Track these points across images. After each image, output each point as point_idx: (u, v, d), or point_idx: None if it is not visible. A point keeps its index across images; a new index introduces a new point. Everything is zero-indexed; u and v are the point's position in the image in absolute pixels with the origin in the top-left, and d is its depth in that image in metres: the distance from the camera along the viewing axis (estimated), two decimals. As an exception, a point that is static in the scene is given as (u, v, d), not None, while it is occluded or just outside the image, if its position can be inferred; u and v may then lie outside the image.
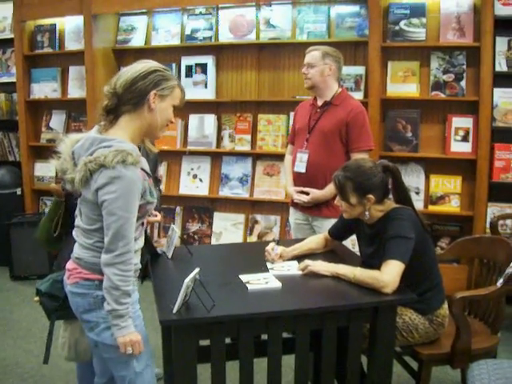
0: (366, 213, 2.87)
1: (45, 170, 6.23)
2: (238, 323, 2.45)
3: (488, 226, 4.62)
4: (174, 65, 5.66)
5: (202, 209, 5.78)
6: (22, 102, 6.11)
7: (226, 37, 5.48)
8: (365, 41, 4.94)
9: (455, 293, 2.88)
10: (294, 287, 2.74)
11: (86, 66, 5.71)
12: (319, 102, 3.93)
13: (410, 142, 4.98)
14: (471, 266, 3.50)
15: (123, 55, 5.82)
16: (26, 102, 6.12)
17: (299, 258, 3.10)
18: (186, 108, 5.31)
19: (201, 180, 5.73)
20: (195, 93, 5.57)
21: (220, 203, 5.79)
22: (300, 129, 3.99)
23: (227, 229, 5.66)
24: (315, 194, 3.83)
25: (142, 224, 2.42)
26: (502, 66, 4.69)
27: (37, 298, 2.76)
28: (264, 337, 2.62)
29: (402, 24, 4.89)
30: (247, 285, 2.70)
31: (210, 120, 5.64)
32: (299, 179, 3.94)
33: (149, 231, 4.43)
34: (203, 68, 5.57)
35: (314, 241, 3.29)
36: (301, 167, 3.89)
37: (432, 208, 4.97)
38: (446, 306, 2.95)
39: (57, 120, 6.23)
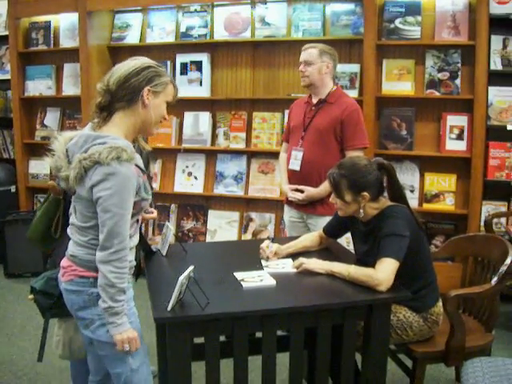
0: (361, 210, 2.87)
1: (39, 167, 6.21)
2: (232, 321, 2.45)
3: (482, 224, 4.63)
4: (168, 62, 5.64)
5: (197, 206, 5.77)
6: (16, 99, 6.09)
7: (220, 34, 5.47)
8: (360, 39, 4.93)
9: (449, 291, 2.88)
10: (288, 285, 2.74)
11: (80, 63, 5.70)
12: (314, 100, 3.93)
13: (405, 140, 4.98)
14: (466, 264, 3.50)
15: (118, 52, 5.80)
16: (20, 99, 6.10)
17: (294, 255, 3.10)
18: (181, 106, 5.31)
19: (196, 178, 5.72)
20: (190, 90, 5.56)
21: (215, 201, 5.78)
22: (295, 127, 3.99)
23: (222, 226, 5.66)
24: (310, 191, 3.83)
25: (137, 221, 2.42)
26: (496, 65, 4.70)
27: (31, 296, 2.75)
28: (258, 334, 2.62)
29: (397, 22, 4.89)
30: (242, 282, 2.69)
31: (204, 118, 5.63)
32: (294, 177, 3.94)
33: (143, 229, 4.43)
34: (198, 66, 5.56)
35: (309, 239, 3.29)
36: (296, 165, 3.89)
37: (427, 206, 4.97)
38: (440, 303, 2.96)
39: (51, 117, 6.21)
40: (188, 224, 5.78)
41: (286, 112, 4.45)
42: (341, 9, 5.14)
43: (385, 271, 2.62)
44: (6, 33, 6.06)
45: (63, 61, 6.06)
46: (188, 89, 5.55)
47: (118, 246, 2.17)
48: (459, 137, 4.83)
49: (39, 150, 5.90)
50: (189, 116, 5.68)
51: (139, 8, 5.73)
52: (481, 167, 4.68)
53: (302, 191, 3.87)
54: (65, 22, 5.96)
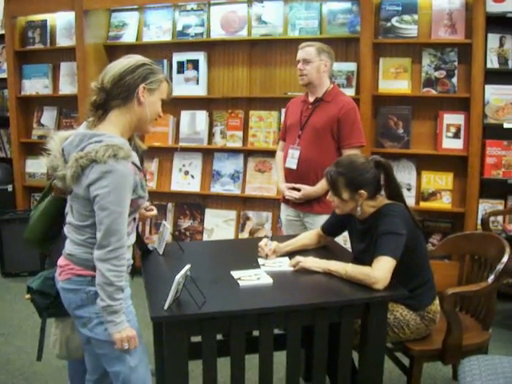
0: (358, 208, 2.88)
1: (36, 166, 6.20)
2: (229, 319, 2.45)
3: (479, 222, 4.62)
4: (165, 61, 5.64)
5: (194, 205, 5.77)
6: (13, 98, 6.07)
7: (217, 33, 5.47)
8: (356, 37, 4.93)
9: (446, 289, 2.88)
10: (285, 283, 2.74)
11: (77, 62, 5.69)
12: (311, 99, 3.93)
13: (402, 138, 4.98)
14: (462, 262, 3.50)
15: (115, 51, 5.78)
16: (17, 98, 6.09)
17: (291, 254, 3.11)
18: (178, 104, 5.31)
19: (192, 176, 5.72)
20: (187, 89, 5.56)
21: (212, 200, 5.78)
22: (291, 125, 3.99)
23: (219, 225, 5.65)
24: (307, 190, 3.83)
25: (134, 219, 2.42)
26: (493, 63, 4.70)
27: (28, 296, 2.74)
28: (256, 333, 2.62)
29: (394, 20, 4.88)
30: (238, 281, 2.70)
31: (201, 116, 5.62)
32: (291, 175, 3.94)
33: (140, 228, 4.42)
34: (195, 64, 5.55)
35: (307, 237, 3.30)
36: (292, 163, 3.89)
37: (423, 204, 4.97)
38: (437, 302, 2.96)
39: (48, 116, 6.20)
40: (185, 223, 5.77)
41: (283, 110, 4.45)
42: (337, 7, 5.13)
43: (382, 269, 2.62)
44: (3, 31, 6.04)
45: (60, 59, 6.05)
46: (185, 87, 5.55)
47: (116, 243, 2.16)
48: (456, 135, 4.84)
49: (36, 148, 5.89)
50: (185, 115, 5.68)
51: (136, 7, 5.71)
52: (477, 165, 4.69)
53: (298, 190, 3.87)
54: (61, 21, 5.94)
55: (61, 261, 2.38)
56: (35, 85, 6.09)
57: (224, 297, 2.56)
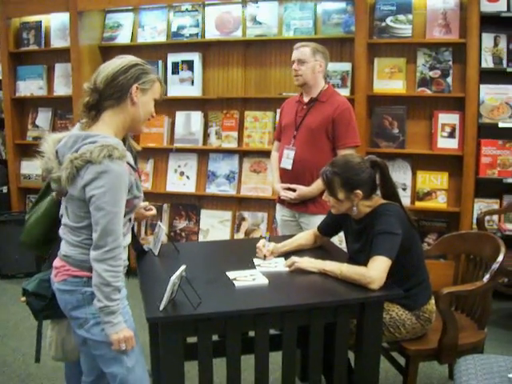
0: (354, 208, 2.88)
1: (31, 167, 6.18)
2: (225, 320, 2.45)
3: (475, 221, 4.64)
4: (160, 62, 5.64)
5: (189, 206, 5.77)
6: (7, 99, 6.06)
7: (212, 34, 5.46)
8: (351, 37, 4.93)
9: (442, 288, 2.88)
10: (280, 284, 2.75)
11: (71, 63, 5.67)
12: (305, 99, 3.93)
13: (397, 138, 4.99)
14: (458, 261, 3.51)
15: (109, 52, 5.77)
16: (11, 99, 6.08)
17: (287, 254, 3.11)
18: (173, 105, 5.30)
19: (188, 177, 5.72)
20: (182, 90, 5.56)
21: (207, 200, 5.77)
22: (286, 125, 3.99)
23: (214, 226, 5.65)
24: (302, 190, 3.83)
25: (130, 220, 2.42)
26: (488, 63, 4.71)
27: (23, 298, 2.73)
28: (251, 334, 2.62)
29: (389, 20, 4.89)
30: (234, 282, 2.70)
31: (196, 117, 5.62)
32: (286, 176, 3.94)
33: (136, 228, 4.41)
34: (189, 65, 5.55)
35: (304, 237, 3.30)
36: (287, 164, 3.89)
37: (419, 204, 4.98)
38: (432, 301, 2.96)
39: (43, 118, 6.19)
40: (180, 223, 5.77)
41: (278, 111, 4.44)
42: (332, 7, 5.13)
43: (377, 269, 2.62)
44: (-3, 33, 6.04)
45: (54, 61, 6.03)
46: (179, 88, 5.55)
47: (112, 244, 2.16)
48: (451, 135, 4.84)
49: (31, 150, 5.86)
50: (180, 115, 5.67)
51: (130, 8, 5.71)
52: (473, 165, 4.69)
53: (293, 190, 3.87)
54: (56, 22, 5.93)
55: (56, 262, 2.38)
56: (30, 86, 6.08)
57: (219, 297, 2.56)
